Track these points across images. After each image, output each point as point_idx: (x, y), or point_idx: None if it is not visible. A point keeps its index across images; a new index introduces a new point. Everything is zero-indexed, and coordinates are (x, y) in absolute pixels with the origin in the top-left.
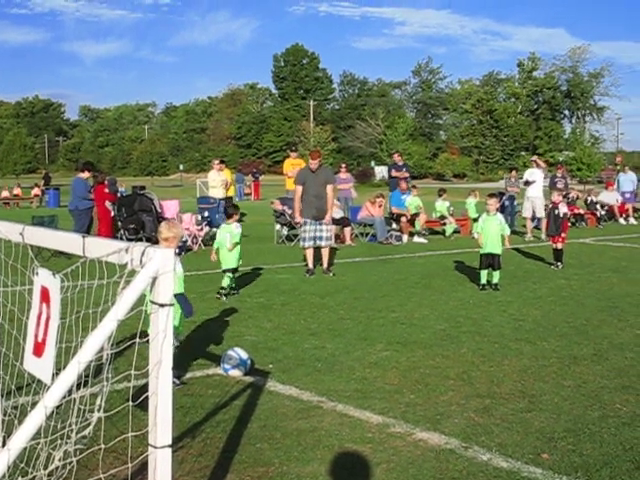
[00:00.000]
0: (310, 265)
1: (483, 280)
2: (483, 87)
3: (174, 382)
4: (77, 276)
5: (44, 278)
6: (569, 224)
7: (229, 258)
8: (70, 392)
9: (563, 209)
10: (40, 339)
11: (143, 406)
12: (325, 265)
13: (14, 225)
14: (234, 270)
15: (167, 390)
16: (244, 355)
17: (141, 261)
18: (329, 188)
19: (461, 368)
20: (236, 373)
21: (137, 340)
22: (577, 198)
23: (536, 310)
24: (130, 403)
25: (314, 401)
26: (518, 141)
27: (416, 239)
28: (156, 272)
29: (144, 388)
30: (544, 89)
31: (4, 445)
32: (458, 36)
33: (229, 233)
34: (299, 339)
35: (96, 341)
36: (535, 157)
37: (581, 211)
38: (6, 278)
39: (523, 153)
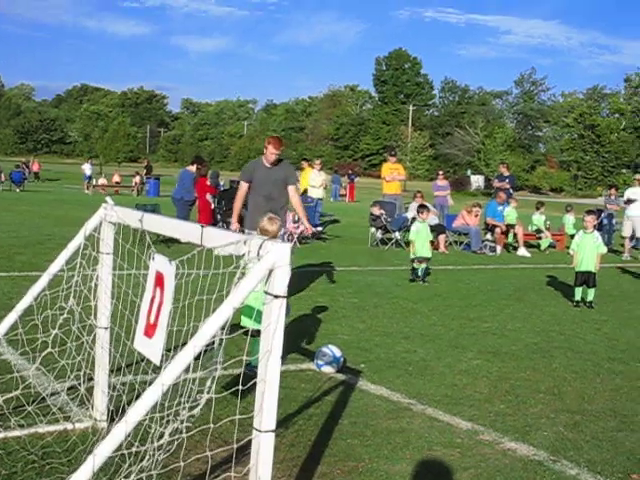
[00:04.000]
0: None
1: (577, 297)
2: (587, 101)
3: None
4: (187, 264)
5: (160, 264)
6: None
7: (425, 249)
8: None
9: None
10: (152, 321)
11: (236, 393)
12: None
13: (133, 211)
14: (428, 259)
15: (275, 378)
16: (337, 353)
17: (258, 253)
18: (291, 189)
19: (552, 382)
20: (328, 370)
21: (250, 330)
22: None
23: (631, 330)
24: (240, 387)
25: (404, 403)
26: (619, 158)
27: (520, 252)
28: (273, 265)
29: (238, 377)
30: None
31: (111, 419)
32: (564, 48)
33: (427, 228)
34: (391, 342)
35: (213, 326)
36: (639, 176)
37: None
38: (122, 261)
39: (624, 171)
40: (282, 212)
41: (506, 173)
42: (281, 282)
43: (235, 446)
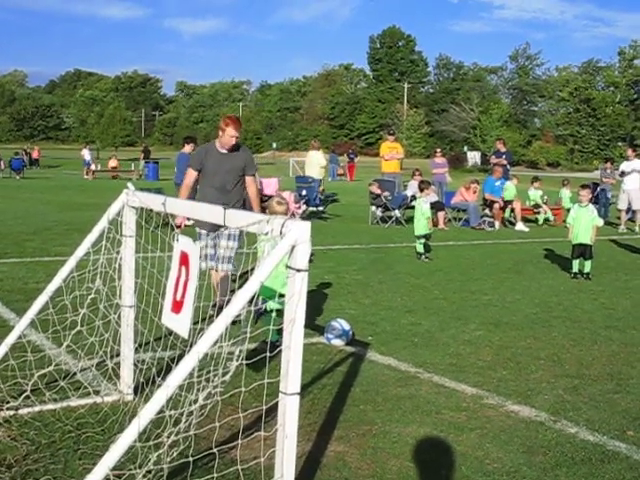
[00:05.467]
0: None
1: (575, 269)
2: (581, 75)
3: (272, 344)
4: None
5: (184, 244)
6: None
7: (420, 226)
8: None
9: None
10: (178, 298)
11: (251, 366)
12: (217, 299)
13: (155, 196)
14: (425, 236)
15: (299, 345)
16: (346, 326)
17: (281, 232)
18: (249, 180)
19: (551, 350)
20: (338, 343)
21: (279, 306)
22: None
23: (627, 300)
24: (268, 354)
25: (412, 371)
26: (615, 131)
27: (518, 227)
28: (295, 241)
29: (256, 351)
30: None
31: (141, 390)
32: (558, 21)
33: (422, 206)
34: (396, 315)
35: (242, 298)
36: (630, 151)
37: None
38: (147, 243)
39: (620, 144)
40: (238, 206)
41: (503, 149)
42: (302, 257)
43: (264, 407)
